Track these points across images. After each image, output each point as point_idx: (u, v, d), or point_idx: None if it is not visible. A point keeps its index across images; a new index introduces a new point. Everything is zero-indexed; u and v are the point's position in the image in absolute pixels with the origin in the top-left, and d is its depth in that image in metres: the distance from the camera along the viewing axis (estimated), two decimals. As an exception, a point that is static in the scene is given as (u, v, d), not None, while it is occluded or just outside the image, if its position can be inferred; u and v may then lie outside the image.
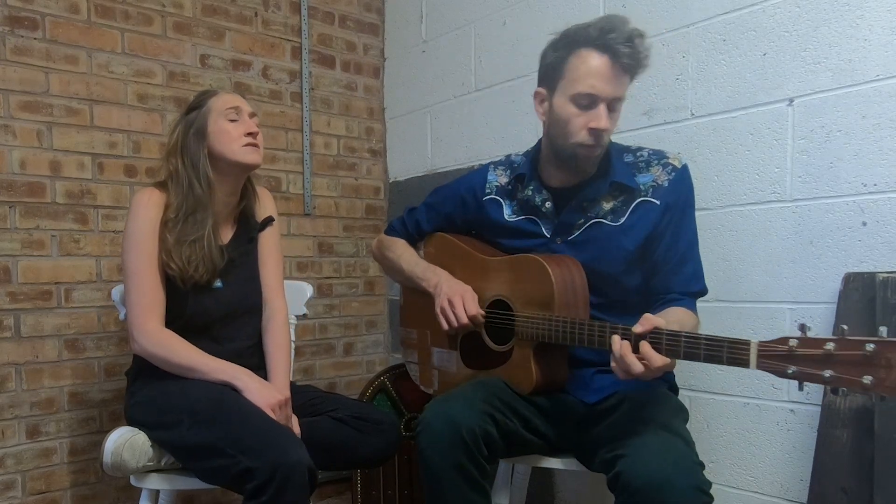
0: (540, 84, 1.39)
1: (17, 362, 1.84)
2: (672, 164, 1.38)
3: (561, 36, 1.33)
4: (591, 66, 1.26)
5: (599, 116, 1.27)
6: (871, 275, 1.35)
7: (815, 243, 1.47)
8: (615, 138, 1.65)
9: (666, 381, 1.45)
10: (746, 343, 1.03)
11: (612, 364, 1.17)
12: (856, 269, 1.40)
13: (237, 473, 1.23)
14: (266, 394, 1.38)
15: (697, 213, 1.46)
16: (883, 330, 0.92)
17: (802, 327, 0.99)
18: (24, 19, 1.85)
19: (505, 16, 2.14)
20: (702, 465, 1.15)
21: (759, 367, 1.01)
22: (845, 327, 0.96)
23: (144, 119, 2.04)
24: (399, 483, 2.14)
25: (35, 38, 1.86)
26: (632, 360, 1.13)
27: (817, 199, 1.47)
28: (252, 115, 1.56)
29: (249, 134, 1.52)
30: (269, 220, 1.66)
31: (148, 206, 1.47)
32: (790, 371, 0.98)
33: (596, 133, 1.29)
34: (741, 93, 1.58)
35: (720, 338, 1.06)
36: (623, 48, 1.24)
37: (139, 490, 1.45)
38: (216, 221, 1.52)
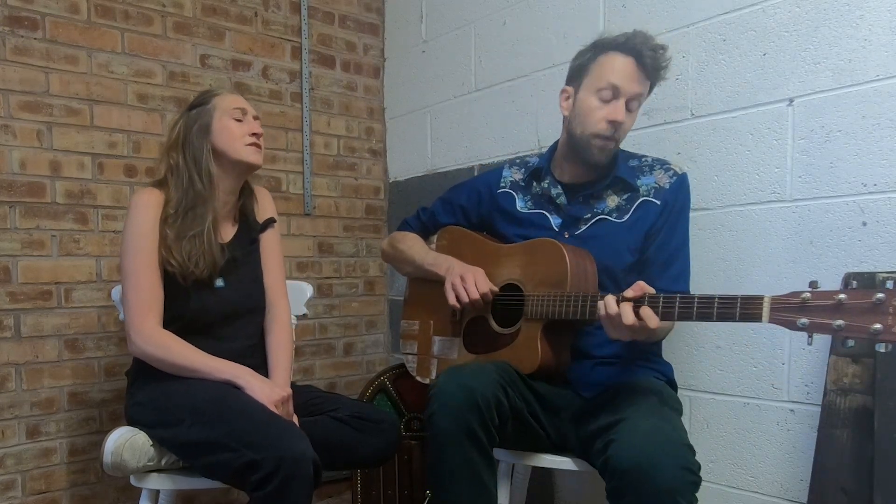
0: (567, 83, 1.50)
1: (17, 362, 1.84)
2: (674, 170, 1.47)
3: (591, 43, 1.46)
4: (616, 65, 1.39)
5: (618, 109, 1.38)
6: (871, 275, 1.35)
7: (815, 243, 1.47)
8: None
9: (664, 376, 1.48)
10: (759, 298, 1.06)
11: (602, 316, 1.22)
12: (856, 269, 1.40)
13: (241, 466, 1.23)
14: (268, 391, 1.38)
15: (697, 213, 1.48)
16: (890, 283, 0.97)
17: (813, 283, 1.02)
18: (24, 19, 1.85)
19: (505, 16, 2.14)
20: (691, 449, 1.16)
21: (771, 319, 1.04)
22: (854, 282, 1.01)
23: (144, 119, 2.04)
24: (399, 483, 2.14)
25: (35, 38, 1.86)
26: (625, 310, 1.18)
27: (817, 199, 1.47)
28: (256, 118, 1.57)
29: (253, 134, 1.54)
30: (270, 222, 1.66)
31: (147, 207, 1.47)
32: (801, 322, 1.01)
33: (614, 124, 1.39)
34: (741, 93, 1.58)
35: (733, 296, 1.10)
36: (647, 51, 1.37)
37: (139, 490, 1.45)
38: (216, 218, 1.52)
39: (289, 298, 1.68)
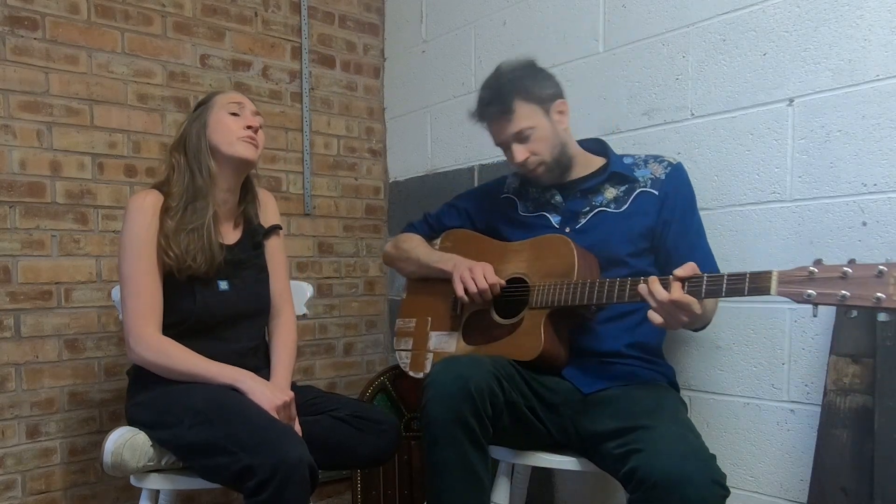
0: None
1: (17, 362, 1.84)
2: (668, 161, 1.52)
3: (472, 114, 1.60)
4: (489, 131, 1.56)
5: (513, 154, 1.51)
6: (872, 274, 1.36)
7: (815, 243, 1.47)
8: (617, 138, 1.68)
9: (665, 377, 1.49)
10: (768, 273, 1.11)
11: (645, 294, 1.22)
12: (856, 269, 1.40)
13: (238, 471, 1.23)
14: (270, 395, 1.37)
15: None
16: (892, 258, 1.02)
17: (818, 261, 1.07)
18: (24, 19, 1.85)
19: (505, 16, 2.14)
20: (714, 457, 1.16)
21: (779, 292, 1.10)
22: (855, 258, 1.06)
23: (144, 119, 2.04)
24: (399, 483, 2.14)
25: (35, 38, 1.86)
26: (658, 288, 1.20)
27: (817, 199, 1.47)
28: (256, 114, 1.56)
29: (249, 127, 1.52)
30: (275, 228, 1.66)
31: (144, 210, 1.46)
32: (808, 294, 1.06)
33: (521, 165, 1.51)
34: (741, 93, 1.58)
35: (741, 273, 1.15)
36: (490, 109, 1.51)
37: (139, 490, 1.45)
38: (217, 214, 1.52)
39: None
